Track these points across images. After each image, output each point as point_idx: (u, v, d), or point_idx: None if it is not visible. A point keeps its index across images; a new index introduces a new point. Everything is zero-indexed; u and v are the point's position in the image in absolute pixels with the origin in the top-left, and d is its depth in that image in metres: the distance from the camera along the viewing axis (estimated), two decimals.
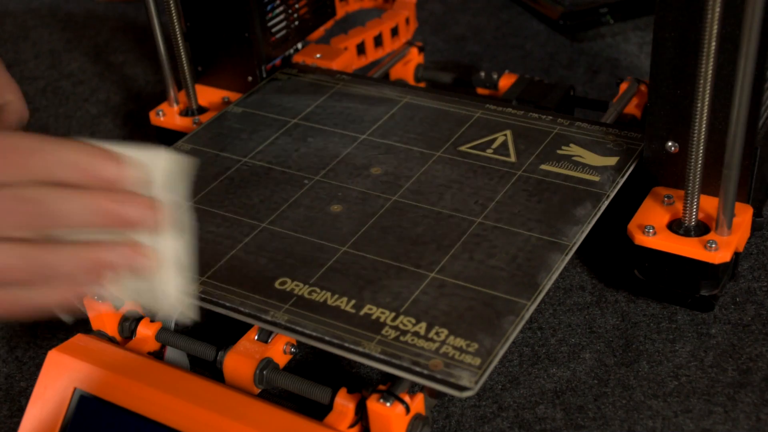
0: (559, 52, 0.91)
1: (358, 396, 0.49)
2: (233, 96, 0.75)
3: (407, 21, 0.85)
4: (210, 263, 0.55)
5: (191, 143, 0.67)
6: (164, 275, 0.45)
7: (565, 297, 0.62)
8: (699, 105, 0.52)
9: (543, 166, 0.61)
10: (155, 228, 0.44)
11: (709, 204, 0.57)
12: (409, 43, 0.82)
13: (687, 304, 0.57)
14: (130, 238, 0.44)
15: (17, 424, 0.55)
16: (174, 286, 0.45)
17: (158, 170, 0.44)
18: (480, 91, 0.78)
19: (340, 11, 0.87)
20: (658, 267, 0.56)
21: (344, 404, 0.48)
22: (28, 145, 0.43)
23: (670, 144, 0.58)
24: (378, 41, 0.82)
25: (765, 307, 0.59)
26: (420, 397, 0.48)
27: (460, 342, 0.48)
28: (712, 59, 0.50)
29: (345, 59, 0.77)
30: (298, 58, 0.77)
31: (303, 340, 0.50)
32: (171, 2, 0.69)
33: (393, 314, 0.50)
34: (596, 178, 0.59)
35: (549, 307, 0.61)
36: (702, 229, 0.56)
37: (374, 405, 0.47)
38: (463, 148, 0.64)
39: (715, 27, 0.49)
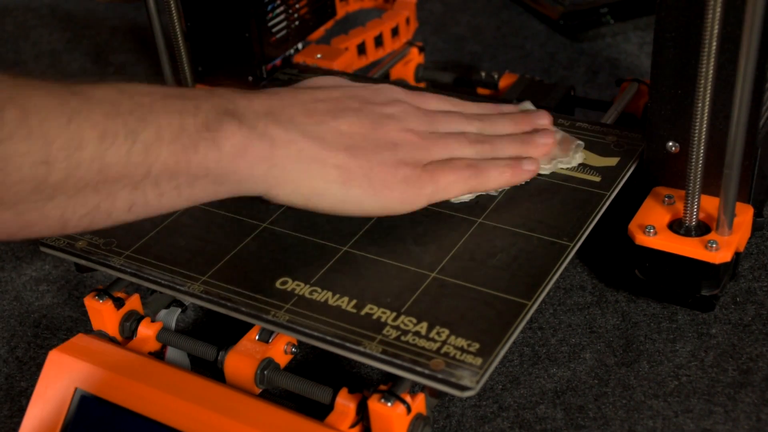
0: (559, 52, 0.91)
1: (360, 396, 0.49)
2: None
3: (407, 21, 0.85)
4: (211, 263, 0.55)
5: None
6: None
7: (566, 297, 0.62)
8: (700, 105, 0.52)
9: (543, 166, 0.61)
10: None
11: (709, 204, 0.57)
12: (410, 43, 0.82)
13: (687, 304, 0.57)
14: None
15: (18, 424, 0.55)
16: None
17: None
18: (480, 91, 0.78)
19: (341, 11, 0.87)
20: (658, 267, 0.56)
21: (345, 404, 0.48)
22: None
23: (670, 144, 0.58)
24: (378, 41, 0.82)
25: (765, 307, 0.59)
26: (421, 397, 0.48)
27: (462, 342, 0.48)
28: (712, 59, 0.50)
29: (345, 59, 0.77)
30: (298, 59, 0.77)
31: (304, 340, 0.50)
32: (171, 2, 0.69)
33: (394, 314, 0.50)
34: (597, 179, 0.59)
35: (549, 307, 0.61)
36: (702, 229, 0.56)
37: (375, 405, 0.47)
38: None
39: (716, 27, 0.49)
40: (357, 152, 0.53)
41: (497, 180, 0.57)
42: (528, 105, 0.65)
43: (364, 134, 0.54)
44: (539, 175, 0.60)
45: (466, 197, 0.58)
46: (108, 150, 0.44)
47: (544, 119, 0.62)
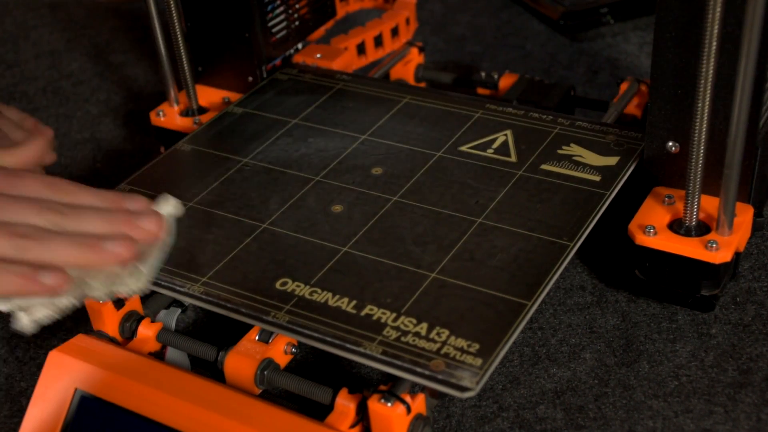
0: (560, 52, 0.91)
1: (359, 396, 0.49)
2: (233, 96, 0.75)
3: (407, 21, 0.85)
4: (211, 264, 0.55)
5: (191, 143, 0.67)
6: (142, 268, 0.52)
7: (566, 297, 0.62)
8: (700, 105, 0.52)
9: (543, 166, 0.61)
10: (153, 242, 0.53)
11: (709, 204, 0.57)
12: (410, 43, 0.82)
13: (687, 304, 0.57)
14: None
15: (18, 424, 0.55)
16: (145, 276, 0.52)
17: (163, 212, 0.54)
18: (480, 91, 0.78)
19: (341, 11, 0.87)
20: (658, 267, 0.56)
21: (345, 404, 0.48)
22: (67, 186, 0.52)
23: (670, 144, 0.58)
24: (378, 41, 0.82)
25: (765, 307, 0.59)
26: (421, 397, 0.48)
27: (462, 342, 0.48)
28: (712, 59, 0.50)
29: (345, 59, 0.77)
30: (298, 58, 0.77)
31: (304, 340, 0.50)
32: (171, 2, 0.69)
33: (394, 315, 0.50)
34: (597, 178, 0.59)
35: (549, 307, 0.61)
36: (703, 229, 0.56)
37: (375, 405, 0.47)
38: (463, 148, 0.64)
39: (716, 27, 0.49)
40: None
41: (3, 286, 0.47)
42: (167, 201, 0.56)
43: None
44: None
45: (25, 319, 0.50)
46: None
47: (141, 203, 0.53)
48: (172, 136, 0.73)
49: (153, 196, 0.56)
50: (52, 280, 0.47)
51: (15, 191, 0.51)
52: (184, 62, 0.72)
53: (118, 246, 0.50)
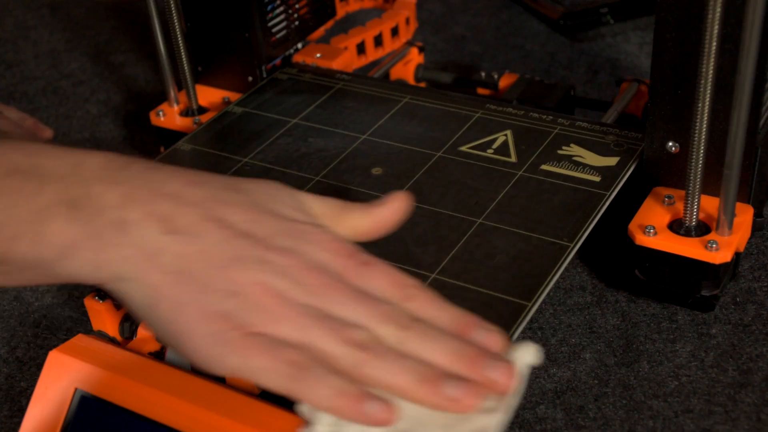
0: (559, 52, 0.91)
1: None
2: (233, 96, 0.75)
3: (407, 21, 0.85)
4: None
5: (191, 143, 0.67)
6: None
7: (566, 297, 0.62)
8: (700, 105, 0.52)
9: (543, 167, 0.61)
10: (502, 397, 0.42)
11: (709, 204, 0.57)
12: (410, 43, 0.82)
13: (687, 304, 0.57)
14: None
15: (18, 424, 0.55)
16: None
17: (520, 363, 0.43)
18: (480, 91, 0.78)
19: (340, 11, 0.87)
20: (658, 267, 0.56)
21: None
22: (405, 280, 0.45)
23: (670, 144, 0.58)
24: (378, 41, 0.82)
25: (765, 307, 0.59)
26: None
27: None
28: (712, 59, 0.50)
29: (345, 59, 0.77)
30: (298, 58, 0.77)
31: None
32: (171, 2, 0.69)
33: None
34: (597, 179, 0.59)
35: (549, 308, 0.61)
36: (703, 229, 0.56)
37: None
38: (463, 148, 0.64)
39: (716, 27, 0.49)
40: (184, 281, 0.43)
41: (322, 398, 0.41)
42: (527, 349, 0.44)
43: (210, 269, 0.43)
44: None
45: (325, 421, 0.42)
46: None
47: (495, 340, 0.44)
48: (172, 136, 0.73)
49: None
50: (379, 413, 0.40)
51: (360, 282, 0.44)
52: (184, 62, 0.72)
53: (460, 392, 0.41)
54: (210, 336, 0.42)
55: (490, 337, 0.43)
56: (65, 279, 0.44)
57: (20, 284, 0.45)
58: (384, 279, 0.45)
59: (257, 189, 0.46)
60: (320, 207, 0.47)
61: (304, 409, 0.42)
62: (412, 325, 0.43)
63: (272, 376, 0.42)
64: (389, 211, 0.48)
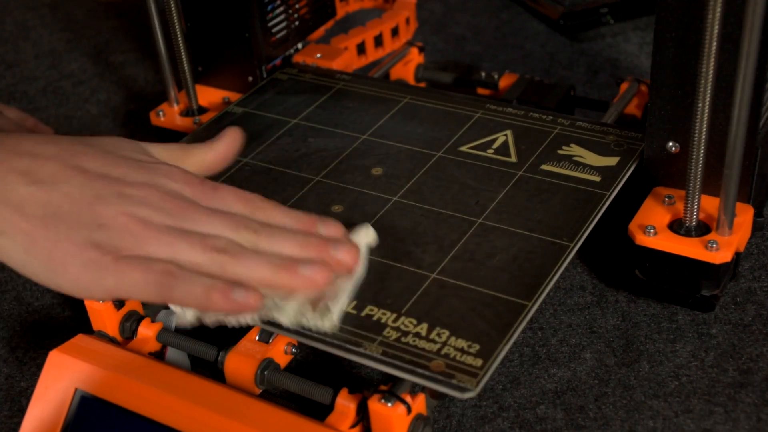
0: (559, 52, 0.91)
1: (360, 396, 0.49)
2: (233, 96, 0.75)
3: (407, 21, 0.85)
4: None
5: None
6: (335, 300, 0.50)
7: (566, 297, 0.62)
8: (700, 105, 0.52)
9: (544, 167, 0.61)
10: (346, 274, 0.50)
11: (709, 204, 0.57)
12: (410, 43, 0.82)
13: (688, 304, 0.57)
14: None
15: (18, 424, 0.55)
16: (337, 311, 0.50)
17: (361, 244, 0.52)
18: (480, 91, 0.78)
19: (340, 11, 0.87)
20: (658, 267, 0.56)
21: (345, 405, 0.48)
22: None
23: (670, 144, 0.58)
24: (378, 41, 0.82)
25: (765, 308, 0.59)
26: (421, 397, 0.48)
27: (462, 343, 0.48)
28: (712, 59, 0.50)
29: (345, 59, 0.77)
30: (298, 58, 0.77)
31: (304, 341, 0.50)
32: (171, 2, 0.69)
33: (394, 315, 0.50)
34: (597, 179, 0.59)
35: (549, 307, 0.61)
36: (703, 229, 0.56)
37: (376, 405, 0.47)
38: (463, 148, 0.64)
39: (716, 27, 0.49)
40: (54, 222, 0.47)
41: (196, 297, 0.46)
42: (366, 231, 0.54)
43: (76, 209, 0.47)
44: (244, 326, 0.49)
45: (190, 315, 0.50)
46: None
47: (335, 229, 0.51)
48: (172, 136, 0.73)
49: None
50: (246, 298, 0.46)
51: (211, 203, 0.50)
52: (184, 62, 0.72)
53: (312, 271, 0.47)
54: (85, 265, 0.46)
55: (331, 227, 0.51)
56: None
57: None
58: (233, 197, 0.51)
59: (105, 141, 0.52)
60: (164, 151, 0.54)
61: (178, 310, 0.50)
62: (263, 228, 0.49)
63: (148, 287, 0.46)
64: (226, 144, 0.55)
